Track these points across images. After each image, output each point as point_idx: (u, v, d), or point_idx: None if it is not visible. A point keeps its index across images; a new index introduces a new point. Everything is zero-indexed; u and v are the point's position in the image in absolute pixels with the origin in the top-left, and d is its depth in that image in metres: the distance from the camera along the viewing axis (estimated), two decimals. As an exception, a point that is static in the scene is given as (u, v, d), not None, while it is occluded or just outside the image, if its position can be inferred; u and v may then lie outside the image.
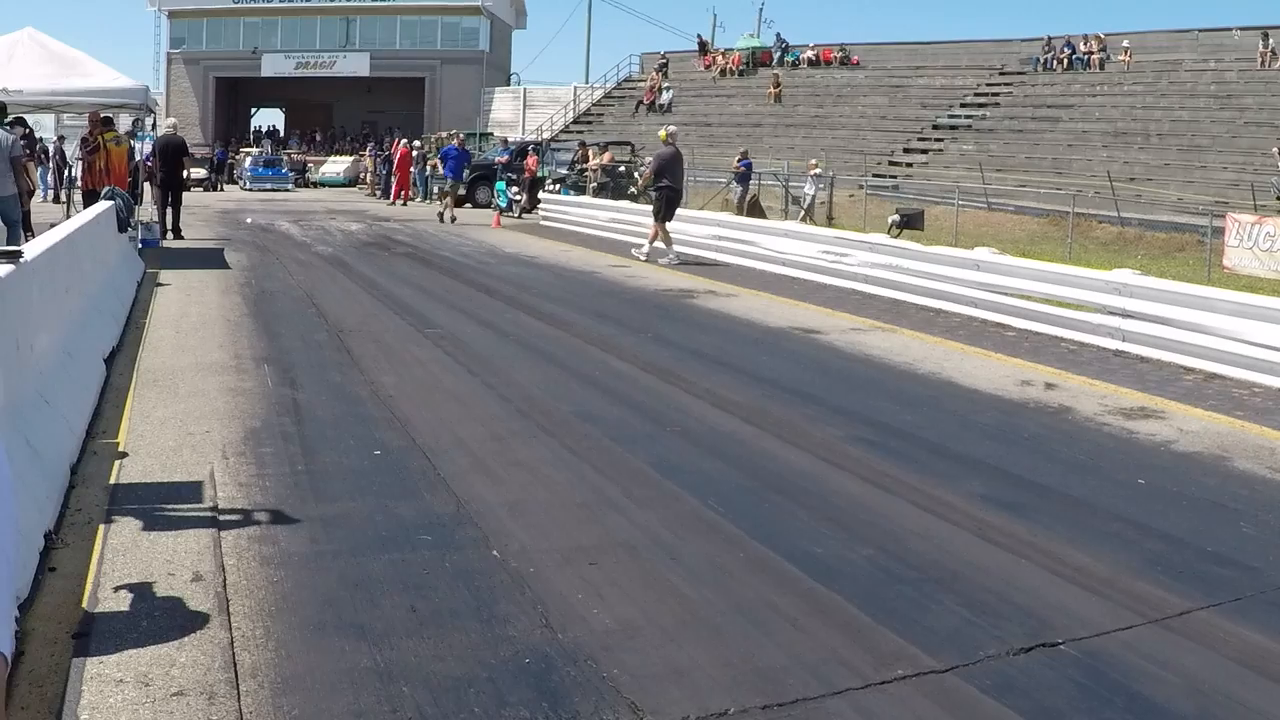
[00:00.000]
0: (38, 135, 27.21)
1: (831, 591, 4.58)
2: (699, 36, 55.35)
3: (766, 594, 4.55)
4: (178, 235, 19.89)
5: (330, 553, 4.79)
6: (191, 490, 5.56)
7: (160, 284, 13.33)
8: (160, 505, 5.32)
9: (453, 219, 25.88)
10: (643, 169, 21.37)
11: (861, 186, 32.18)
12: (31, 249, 6.76)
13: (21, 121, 14.14)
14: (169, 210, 20.04)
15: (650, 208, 18.53)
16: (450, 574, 4.60)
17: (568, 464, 6.30)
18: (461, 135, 35.11)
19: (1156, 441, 7.33)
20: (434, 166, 29.02)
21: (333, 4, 58.20)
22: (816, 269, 15.91)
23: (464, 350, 9.68)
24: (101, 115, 16.61)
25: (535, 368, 9.04)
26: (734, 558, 4.92)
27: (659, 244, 17.85)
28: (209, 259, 16.53)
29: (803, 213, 29.59)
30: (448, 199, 27.09)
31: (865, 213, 29.16)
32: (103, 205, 12.94)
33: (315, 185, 48.44)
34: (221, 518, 5.18)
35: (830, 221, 30.12)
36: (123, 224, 13.62)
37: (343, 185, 47.74)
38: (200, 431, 6.66)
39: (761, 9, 62.09)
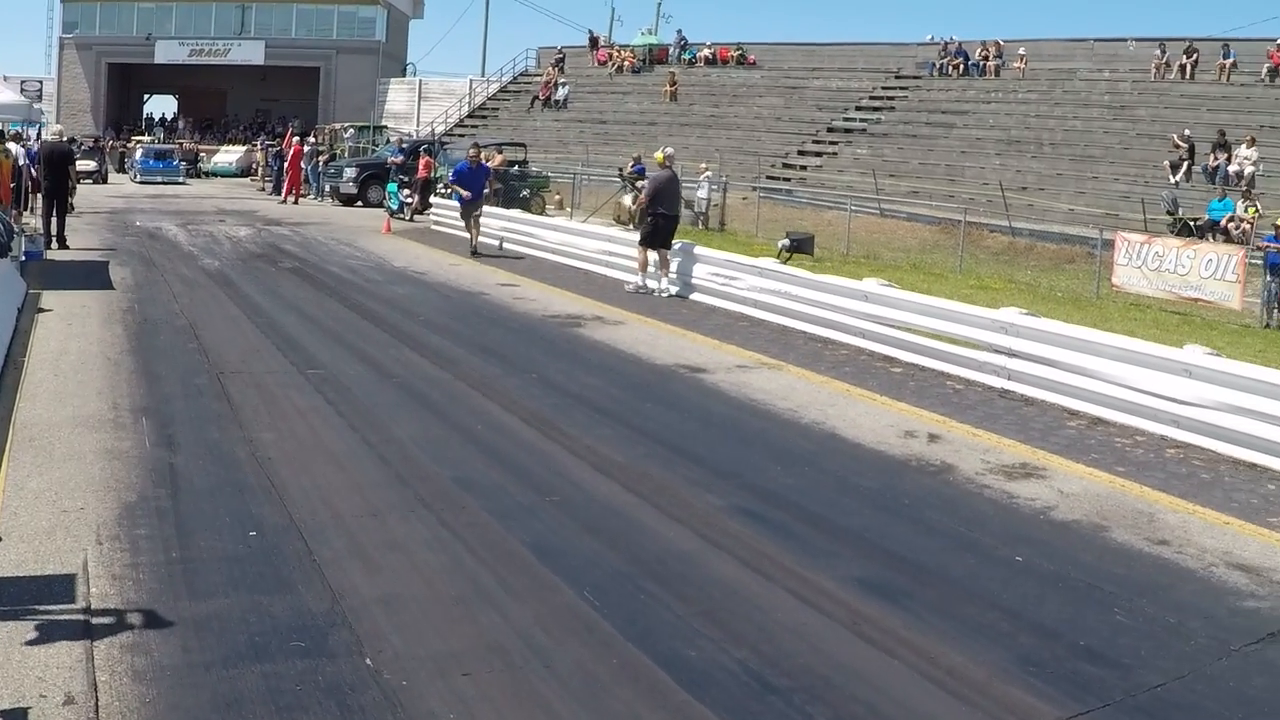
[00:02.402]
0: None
1: (702, 705, 4.70)
2: (590, 32, 55.61)
3: (637, 708, 4.68)
4: (63, 245, 19.48)
5: (203, 665, 4.84)
6: (64, 586, 5.55)
7: (42, 308, 13.10)
8: (33, 605, 5.30)
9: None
10: (638, 194, 21.03)
11: (755, 189, 32.44)
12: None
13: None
14: (54, 219, 19.63)
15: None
16: (322, 690, 4.67)
17: (445, 545, 6.38)
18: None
19: (1036, 508, 7.59)
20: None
21: (227, -10, 57.33)
22: (707, 290, 16.12)
23: (345, 398, 9.67)
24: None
25: (416, 420, 9.10)
26: (607, 664, 5.04)
27: (651, 272, 17.04)
28: (93, 275, 16.21)
29: (696, 217, 29.80)
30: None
31: (758, 216, 29.43)
32: (-21, 233, 12.67)
33: (207, 175, 47.84)
34: (94, 621, 5.19)
35: (723, 227, 30.42)
36: (3, 249, 13.35)
37: (235, 176, 47.26)
38: (75, 508, 6.62)
39: (660, 5, 62.13)
